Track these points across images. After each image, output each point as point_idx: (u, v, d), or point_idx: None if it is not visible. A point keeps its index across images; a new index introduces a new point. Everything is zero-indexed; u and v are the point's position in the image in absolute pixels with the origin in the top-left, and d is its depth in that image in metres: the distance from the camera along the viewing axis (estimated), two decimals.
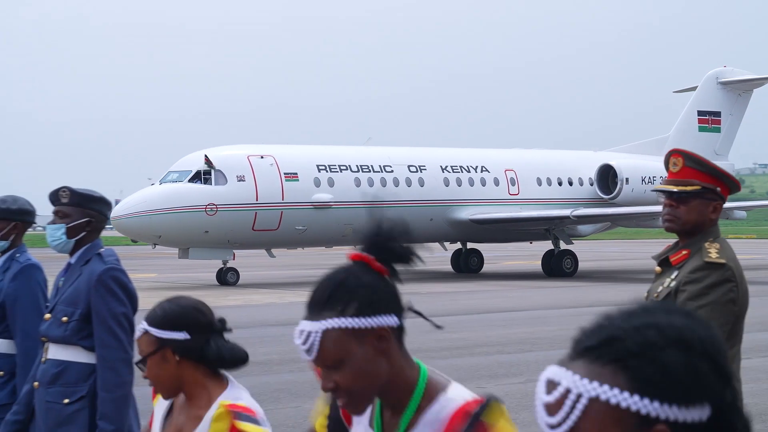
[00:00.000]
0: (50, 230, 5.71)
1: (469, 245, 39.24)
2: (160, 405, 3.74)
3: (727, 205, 31.44)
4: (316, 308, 2.52)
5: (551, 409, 1.64)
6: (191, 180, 30.60)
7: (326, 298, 2.52)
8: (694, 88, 46.03)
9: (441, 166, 36.05)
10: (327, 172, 33.06)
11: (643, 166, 39.20)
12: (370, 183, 33.63)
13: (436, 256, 39.62)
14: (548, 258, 36.08)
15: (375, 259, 2.58)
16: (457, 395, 2.60)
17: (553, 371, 1.66)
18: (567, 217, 35.05)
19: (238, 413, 3.50)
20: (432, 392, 2.59)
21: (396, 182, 34.37)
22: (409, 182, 34.79)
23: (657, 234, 59.68)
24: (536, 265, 37.73)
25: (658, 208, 37.89)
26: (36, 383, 5.64)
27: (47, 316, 5.72)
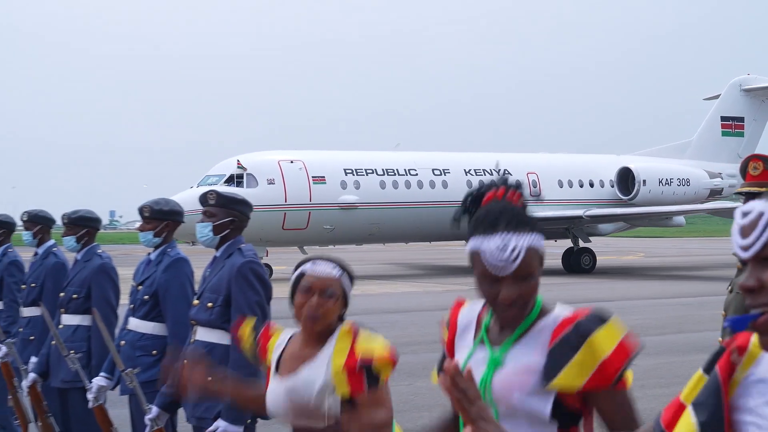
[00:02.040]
0: (199, 228, 6.20)
1: None
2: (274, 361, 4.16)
3: (720, 206, 33.02)
4: (510, 225, 2.84)
5: (745, 231, 1.80)
6: (225, 183, 32.33)
7: (517, 218, 2.86)
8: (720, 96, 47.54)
9: (464, 170, 37.60)
10: (354, 175, 34.69)
11: (660, 168, 40.76)
12: (395, 185, 35.25)
13: (463, 254, 41.48)
14: (568, 255, 37.77)
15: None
16: (563, 310, 2.96)
17: (749, 203, 1.81)
18: (580, 217, 36.58)
19: (358, 329, 4.00)
20: (544, 310, 2.96)
21: (420, 185, 35.94)
22: (433, 185, 36.33)
23: (675, 233, 61.09)
24: (556, 262, 39.24)
25: (670, 208, 39.37)
26: (185, 361, 6.36)
27: (195, 302, 6.22)
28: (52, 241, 9.26)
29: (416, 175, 36.35)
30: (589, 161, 42.40)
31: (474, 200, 3.06)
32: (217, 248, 6.18)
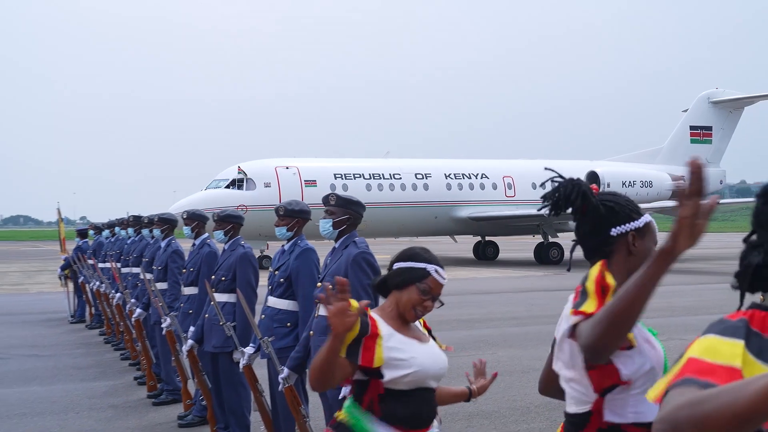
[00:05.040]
0: (322, 223, 6.95)
1: (488, 238, 45.00)
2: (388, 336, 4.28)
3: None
4: None
5: None
6: (228, 186, 36.74)
7: None
8: None
9: (445, 174, 41.42)
10: (342, 179, 38.54)
11: (625, 172, 44.62)
12: (380, 188, 39.05)
13: (457, 246, 46.31)
14: (539, 249, 41.55)
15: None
16: None
17: None
18: (541, 215, 39.82)
19: None
20: None
21: (403, 187, 39.73)
22: (415, 187, 40.14)
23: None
24: (529, 255, 43.34)
25: None
26: (311, 332, 6.87)
27: (319, 284, 7.01)
28: (206, 234, 10.67)
29: (400, 178, 40.13)
30: (562, 166, 45.39)
31: (582, 194, 3.56)
32: (336, 240, 7.00)
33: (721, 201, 48.18)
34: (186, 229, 10.66)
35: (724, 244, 60.05)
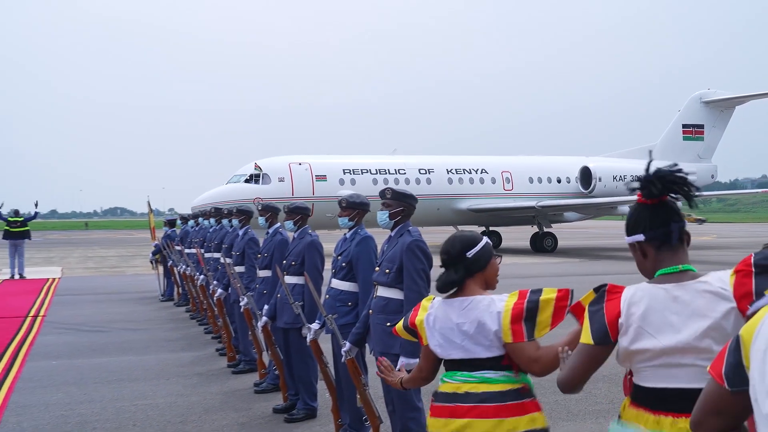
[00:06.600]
0: (379, 215, 7.32)
1: (491, 228, 47.20)
2: None
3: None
4: None
5: None
6: (246, 181, 39.22)
7: None
8: None
9: (447, 169, 43.66)
10: (351, 174, 40.79)
11: (616, 167, 46.83)
12: (386, 183, 41.17)
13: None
14: (534, 238, 44.02)
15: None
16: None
17: None
18: (533, 207, 42.42)
19: None
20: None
21: (407, 182, 41.92)
22: (418, 182, 42.39)
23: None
24: (525, 243, 45.65)
25: (602, 200, 47.02)
26: (371, 311, 7.31)
27: (377, 268, 7.35)
28: (278, 224, 11.18)
29: (404, 174, 42.43)
30: (557, 161, 48.21)
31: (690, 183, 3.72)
32: (392, 229, 7.37)
33: (744, 191, 48.92)
34: (261, 220, 11.36)
35: (748, 233, 62.46)
